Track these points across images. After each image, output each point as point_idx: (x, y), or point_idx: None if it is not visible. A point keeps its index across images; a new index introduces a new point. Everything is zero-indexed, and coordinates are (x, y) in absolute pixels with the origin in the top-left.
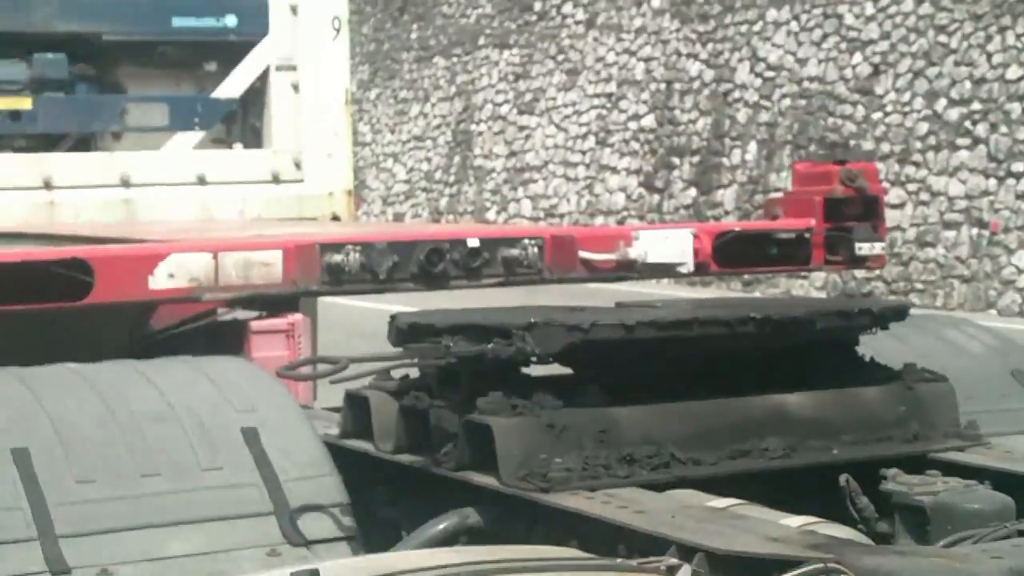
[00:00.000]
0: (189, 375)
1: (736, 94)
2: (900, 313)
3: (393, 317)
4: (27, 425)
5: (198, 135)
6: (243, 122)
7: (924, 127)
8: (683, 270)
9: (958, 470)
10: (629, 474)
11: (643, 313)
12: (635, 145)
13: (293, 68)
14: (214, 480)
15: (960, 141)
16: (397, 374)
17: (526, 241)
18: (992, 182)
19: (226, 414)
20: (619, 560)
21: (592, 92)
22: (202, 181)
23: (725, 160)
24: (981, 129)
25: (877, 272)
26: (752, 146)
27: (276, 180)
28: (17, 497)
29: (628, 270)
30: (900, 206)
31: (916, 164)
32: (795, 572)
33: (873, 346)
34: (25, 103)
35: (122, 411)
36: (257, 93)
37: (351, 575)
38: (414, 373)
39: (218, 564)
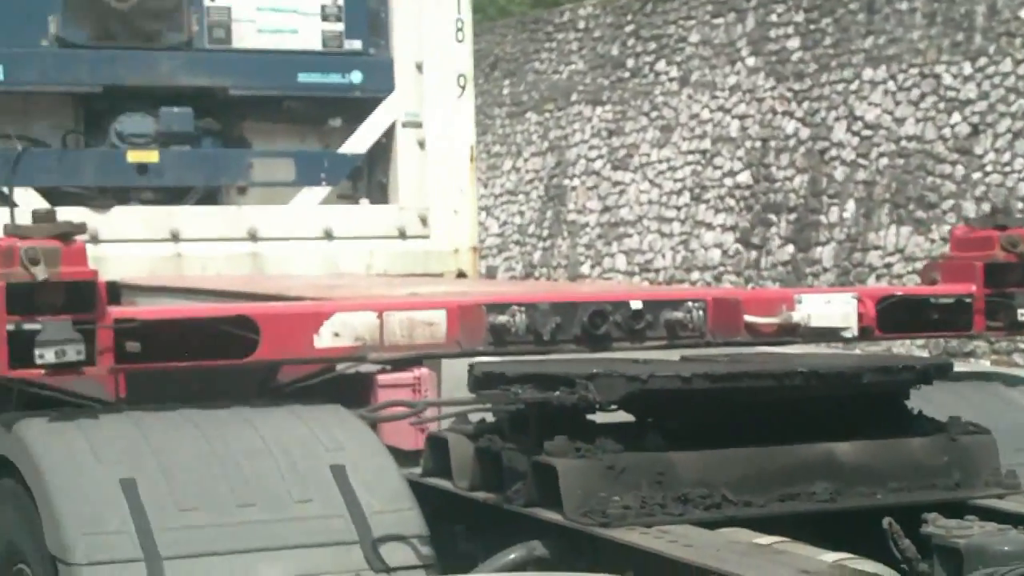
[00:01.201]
0: (284, 418)
1: (833, 152)
2: (943, 370)
3: (471, 366)
4: (135, 460)
5: (324, 190)
6: (369, 178)
7: None
8: (847, 335)
9: (996, 516)
10: (683, 513)
11: (699, 365)
12: (731, 202)
13: (419, 125)
14: (304, 511)
15: None
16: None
17: (690, 303)
18: None
19: (317, 453)
20: None
21: (686, 148)
22: (329, 236)
23: (823, 218)
24: None
25: None
26: (850, 204)
27: (402, 235)
28: (125, 523)
29: (791, 334)
30: None
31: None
32: None
33: (933, 400)
34: (152, 156)
35: (222, 448)
36: (383, 149)
37: None
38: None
39: None
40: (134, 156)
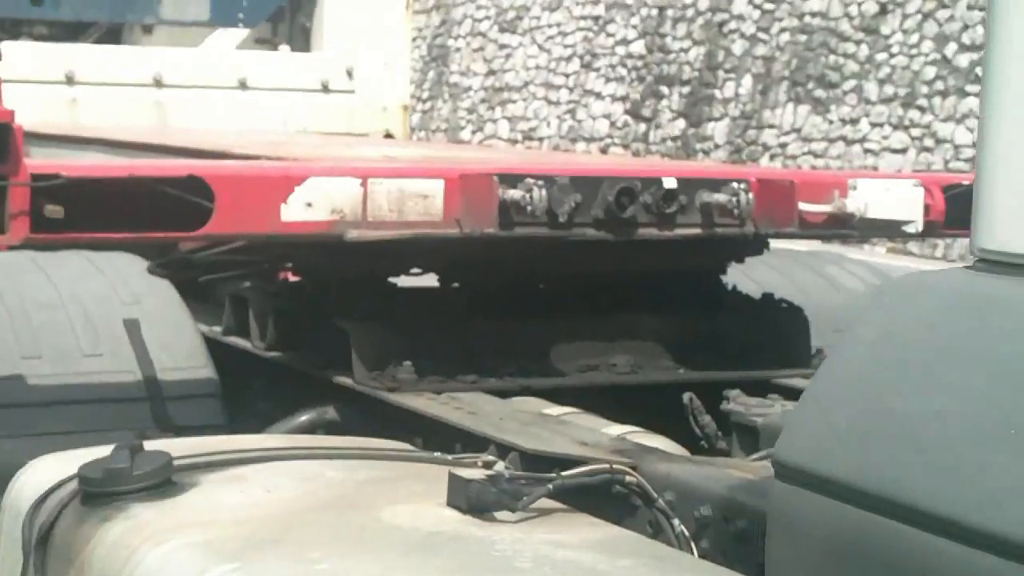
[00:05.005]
0: (81, 267)
1: (732, 25)
2: (757, 248)
3: None
4: None
5: (241, 33)
6: (291, 21)
7: (931, 71)
8: (910, 229)
9: (800, 395)
10: (476, 380)
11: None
12: (622, 71)
13: None
14: (93, 366)
15: (970, 88)
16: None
17: (734, 185)
18: None
19: (111, 305)
20: (437, 454)
21: (579, 14)
22: (243, 85)
23: (717, 92)
24: None
25: None
26: (747, 80)
27: (325, 89)
28: None
29: (844, 226)
30: (903, 151)
31: (921, 109)
32: (580, 469)
33: (754, 278)
34: None
35: (11, 297)
36: None
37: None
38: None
39: (87, 441)
40: None
